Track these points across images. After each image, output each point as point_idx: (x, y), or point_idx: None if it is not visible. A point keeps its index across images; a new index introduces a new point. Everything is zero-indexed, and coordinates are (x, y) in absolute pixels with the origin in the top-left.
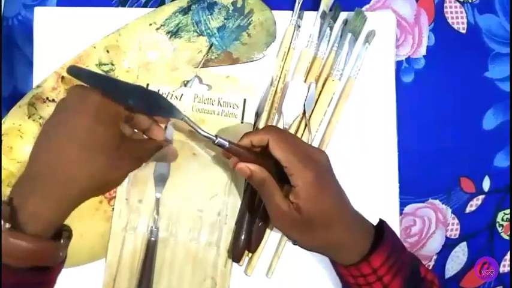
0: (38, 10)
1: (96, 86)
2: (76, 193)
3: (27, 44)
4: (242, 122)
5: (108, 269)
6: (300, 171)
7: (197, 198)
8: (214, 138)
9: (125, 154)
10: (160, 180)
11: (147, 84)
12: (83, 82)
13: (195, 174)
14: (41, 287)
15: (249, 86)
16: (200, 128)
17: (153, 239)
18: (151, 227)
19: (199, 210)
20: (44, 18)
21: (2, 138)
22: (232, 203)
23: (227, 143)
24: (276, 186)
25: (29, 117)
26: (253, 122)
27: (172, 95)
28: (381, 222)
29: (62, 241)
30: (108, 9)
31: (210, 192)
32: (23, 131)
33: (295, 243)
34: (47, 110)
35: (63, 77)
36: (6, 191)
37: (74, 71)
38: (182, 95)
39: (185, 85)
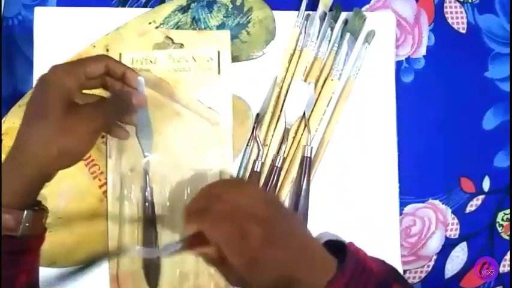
0: (38, 10)
1: None
2: (36, 163)
3: (27, 44)
4: (219, 74)
5: (111, 232)
6: (229, 254)
7: (188, 157)
8: (165, 252)
9: (76, 120)
10: (145, 137)
11: (120, 54)
12: None
13: (182, 134)
14: (21, 256)
15: (221, 37)
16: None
17: (147, 203)
18: (144, 189)
19: (191, 169)
20: (44, 18)
21: (2, 138)
22: (224, 156)
23: (178, 246)
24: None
25: None
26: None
27: (146, 59)
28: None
29: (25, 212)
30: (108, 9)
31: (201, 149)
32: None
33: None
34: None
35: None
36: None
37: None
38: (156, 58)
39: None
